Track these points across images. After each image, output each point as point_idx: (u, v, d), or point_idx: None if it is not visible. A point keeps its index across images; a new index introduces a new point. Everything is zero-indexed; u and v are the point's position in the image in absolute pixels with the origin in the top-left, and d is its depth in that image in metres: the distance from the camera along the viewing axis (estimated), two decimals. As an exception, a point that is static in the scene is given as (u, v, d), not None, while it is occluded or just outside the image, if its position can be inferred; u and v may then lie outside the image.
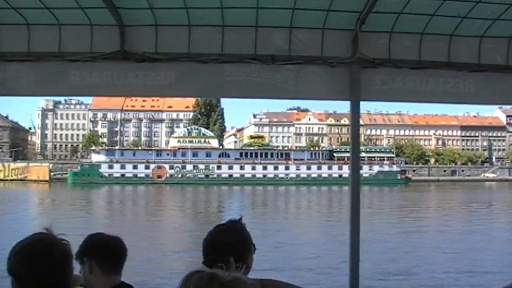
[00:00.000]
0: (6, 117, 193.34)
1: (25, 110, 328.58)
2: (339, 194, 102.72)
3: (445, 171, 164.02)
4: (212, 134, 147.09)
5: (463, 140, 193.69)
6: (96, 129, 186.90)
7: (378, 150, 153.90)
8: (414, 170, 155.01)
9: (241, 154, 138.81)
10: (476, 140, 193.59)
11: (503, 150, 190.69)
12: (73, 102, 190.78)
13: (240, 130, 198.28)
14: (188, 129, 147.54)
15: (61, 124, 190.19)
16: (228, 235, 3.50)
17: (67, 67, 5.60)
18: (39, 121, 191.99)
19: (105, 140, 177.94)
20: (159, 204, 78.05)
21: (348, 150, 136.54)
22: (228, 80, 5.75)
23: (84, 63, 5.56)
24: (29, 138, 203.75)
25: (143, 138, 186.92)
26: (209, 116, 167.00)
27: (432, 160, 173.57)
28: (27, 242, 2.60)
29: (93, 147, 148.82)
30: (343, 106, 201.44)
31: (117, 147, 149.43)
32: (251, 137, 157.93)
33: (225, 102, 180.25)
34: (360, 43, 5.68)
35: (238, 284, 2.10)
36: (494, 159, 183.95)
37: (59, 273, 2.62)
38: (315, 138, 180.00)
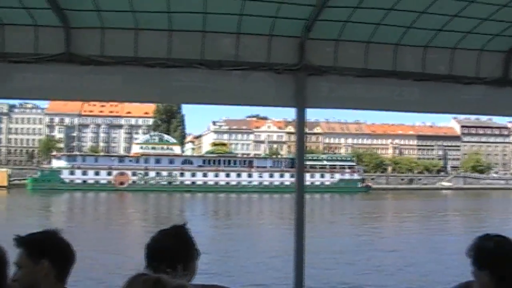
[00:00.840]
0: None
1: None
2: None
3: (402, 179, 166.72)
4: (174, 141, 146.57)
5: (419, 149, 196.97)
6: (52, 134, 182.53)
7: (339, 158, 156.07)
8: (372, 179, 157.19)
9: (204, 161, 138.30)
10: (432, 150, 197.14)
11: (458, 159, 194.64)
12: (29, 106, 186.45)
13: (198, 137, 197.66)
14: (150, 136, 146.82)
15: (16, 129, 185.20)
16: (171, 240, 3.50)
17: (9, 68, 5.45)
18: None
19: (62, 145, 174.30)
20: (121, 211, 78.04)
21: (310, 158, 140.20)
22: (174, 85, 5.78)
23: (27, 64, 5.42)
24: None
25: (101, 144, 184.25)
26: (169, 122, 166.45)
27: (390, 169, 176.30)
28: None
29: (54, 153, 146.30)
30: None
31: (78, 153, 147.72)
32: (214, 144, 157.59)
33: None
34: (306, 51, 5.75)
35: None
36: (449, 168, 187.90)
37: None
38: (275, 145, 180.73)
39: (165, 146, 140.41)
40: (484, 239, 3.60)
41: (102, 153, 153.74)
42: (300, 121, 6.03)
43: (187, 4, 5.33)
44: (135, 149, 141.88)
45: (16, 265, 3.20)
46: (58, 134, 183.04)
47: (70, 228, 52.61)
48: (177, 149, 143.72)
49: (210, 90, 5.82)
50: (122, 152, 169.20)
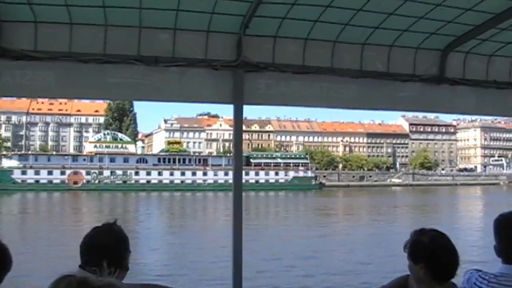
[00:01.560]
0: None
1: None
2: (255, 199, 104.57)
3: (353, 176, 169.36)
4: (129, 140, 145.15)
5: (369, 147, 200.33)
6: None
7: (293, 156, 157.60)
8: (324, 176, 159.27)
9: (159, 160, 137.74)
10: (381, 147, 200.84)
11: (406, 156, 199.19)
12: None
13: (148, 135, 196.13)
14: (104, 134, 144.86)
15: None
16: (102, 237, 3.48)
17: None
18: None
19: (9, 144, 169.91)
20: (75, 211, 76.77)
21: (264, 156, 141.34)
22: (110, 82, 5.63)
23: None
24: None
25: (50, 143, 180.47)
26: (121, 121, 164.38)
27: (340, 166, 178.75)
28: None
29: (4, 152, 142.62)
30: (254, 113, 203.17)
31: (30, 152, 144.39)
32: (169, 142, 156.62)
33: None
34: (244, 47, 5.73)
35: None
36: (398, 165, 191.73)
37: None
38: (227, 144, 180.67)
39: (119, 145, 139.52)
40: (419, 234, 3.69)
41: (54, 152, 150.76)
42: (238, 118, 5.97)
43: None
44: (89, 148, 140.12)
45: None
46: (4, 133, 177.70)
47: (20, 229, 52.45)
48: (131, 148, 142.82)
49: (146, 86, 5.74)
50: (72, 151, 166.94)
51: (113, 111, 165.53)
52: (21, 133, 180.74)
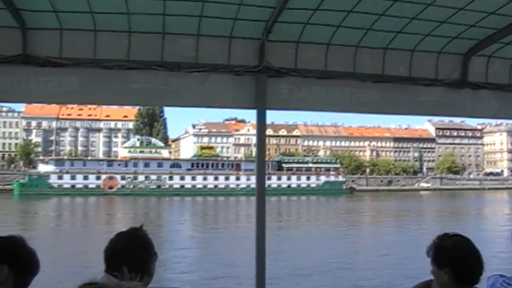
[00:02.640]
0: None
1: None
2: (287, 204, 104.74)
3: (382, 181, 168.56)
4: (162, 144, 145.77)
5: (395, 151, 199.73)
6: (30, 138, 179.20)
7: (324, 161, 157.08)
8: (353, 181, 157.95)
9: (192, 165, 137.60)
10: (408, 151, 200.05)
11: (433, 161, 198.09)
12: (4, 109, 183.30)
13: (174, 140, 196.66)
14: (138, 139, 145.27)
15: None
16: (125, 242, 3.50)
17: None
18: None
19: (39, 149, 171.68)
20: (110, 216, 77.19)
21: (296, 160, 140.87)
22: (133, 88, 5.69)
23: None
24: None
25: (80, 148, 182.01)
26: (151, 126, 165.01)
27: (368, 170, 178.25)
28: None
29: (41, 157, 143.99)
30: (281, 117, 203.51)
31: (66, 157, 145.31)
32: (201, 147, 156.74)
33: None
34: (266, 52, 5.78)
35: None
36: (425, 170, 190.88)
37: None
38: (253, 148, 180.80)
39: (153, 150, 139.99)
40: (443, 238, 3.70)
41: (88, 157, 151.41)
42: (261, 123, 6.02)
43: (147, 6, 5.27)
44: (123, 153, 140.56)
45: None
46: (35, 138, 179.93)
47: (56, 232, 53.05)
48: (165, 153, 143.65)
49: (169, 92, 5.79)
50: (101, 156, 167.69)
51: (143, 117, 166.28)
52: (51, 138, 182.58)
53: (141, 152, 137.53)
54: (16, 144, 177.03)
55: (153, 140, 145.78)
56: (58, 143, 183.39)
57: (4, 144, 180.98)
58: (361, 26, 5.67)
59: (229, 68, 5.75)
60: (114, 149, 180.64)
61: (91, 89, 5.60)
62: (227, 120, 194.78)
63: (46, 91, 5.47)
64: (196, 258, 37.79)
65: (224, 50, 5.75)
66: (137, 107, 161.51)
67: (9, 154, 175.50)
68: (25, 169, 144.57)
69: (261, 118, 5.95)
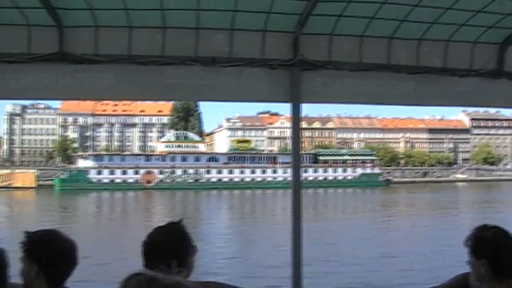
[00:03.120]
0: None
1: None
2: (324, 196, 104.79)
3: (417, 172, 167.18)
4: (199, 139, 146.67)
5: (430, 142, 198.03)
6: (66, 134, 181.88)
7: (360, 153, 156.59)
8: (388, 172, 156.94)
9: (229, 158, 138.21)
10: (442, 143, 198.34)
11: (468, 152, 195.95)
12: (41, 106, 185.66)
13: (208, 134, 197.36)
14: (175, 134, 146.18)
15: (29, 129, 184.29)
16: (165, 236, 3.53)
17: (2, 69, 5.46)
18: (5, 127, 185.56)
19: (76, 145, 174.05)
20: (148, 210, 78.44)
21: (332, 153, 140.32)
22: (168, 83, 5.76)
23: (20, 64, 5.44)
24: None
25: (115, 143, 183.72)
26: (187, 120, 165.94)
27: (402, 162, 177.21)
28: None
29: (80, 153, 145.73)
30: (314, 110, 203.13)
31: (104, 152, 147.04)
32: (238, 141, 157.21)
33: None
34: (300, 45, 5.78)
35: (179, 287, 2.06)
36: (460, 161, 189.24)
37: None
38: (287, 141, 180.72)
39: (190, 144, 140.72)
40: (482, 230, 3.66)
41: (126, 152, 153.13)
42: (296, 116, 6.00)
43: (181, 1, 5.38)
44: (160, 148, 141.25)
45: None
46: (71, 134, 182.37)
47: (96, 226, 53.83)
48: (201, 147, 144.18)
49: (204, 86, 5.85)
50: (136, 150, 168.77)
51: (179, 111, 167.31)
52: (87, 134, 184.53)
53: (178, 146, 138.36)
54: (53, 140, 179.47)
55: (190, 134, 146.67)
56: (94, 139, 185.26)
57: (41, 140, 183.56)
58: (395, 17, 5.69)
59: (263, 62, 5.80)
60: (149, 143, 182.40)
61: (127, 85, 5.75)
62: (260, 113, 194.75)
63: (82, 88, 5.62)
64: (234, 250, 38.38)
65: (258, 44, 5.81)
66: (172, 102, 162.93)
67: (47, 150, 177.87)
68: (63, 165, 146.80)
69: (296, 112, 5.95)
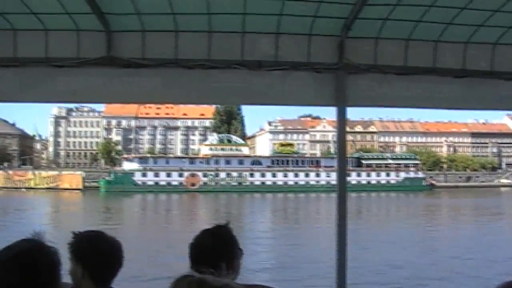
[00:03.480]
0: (13, 124, 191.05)
1: (24, 116, 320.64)
2: (367, 200, 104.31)
3: (460, 177, 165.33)
4: (243, 142, 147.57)
5: (473, 146, 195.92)
6: (110, 136, 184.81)
7: (403, 157, 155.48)
8: (431, 177, 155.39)
9: (272, 162, 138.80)
10: (486, 147, 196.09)
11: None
12: (85, 109, 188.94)
13: (250, 137, 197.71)
14: (219, 137, 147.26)
15: (74, 132, 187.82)
16: (213, 239, 3.53)
17: (52, 72, 5.55)
18: (51, 129, 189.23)
19: (119, 147, 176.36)
20: (193, 212, 79.56)
21: (375, 157, 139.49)
22: (214, 86, 5.76)
23: (70, 69, 5.51)
24: (35, 146, 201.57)
25: (158, 146, 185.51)
26: (229, 123, 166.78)
27: (445, 167, 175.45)
28: (12, 250, 2.54)
29: (124, 155, 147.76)
30: (356, 114, 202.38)
31: (149, 155, 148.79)
32: (281, 144, 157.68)
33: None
34: (346, 49, 5.73)
35: None
36: (504, 165, 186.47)
37: (44, 284, 2.53)
38: (330, 145, 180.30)
39: (233, 147, 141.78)
40: None
41: (170, 155, 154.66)
42: (341, 120, 5.97)
43: (227, 5, 5.34)
44: (204, 150, 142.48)
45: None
46: (115, 137, 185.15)
47: (142, 228, 54.41)
48: (245, 150, 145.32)
49: (250, 90, 5.84)
50: (179, 153, 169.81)
51: (221, 114, 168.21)
52: (130, 136, 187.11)
53: (222, 149, 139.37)
54: (97, 142, 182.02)
55: (233, 137, 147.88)
56: (137, 141, 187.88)
57: (86, 142, 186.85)
58: (442, 20, 5.61)
59: (309, 65, 5.78)
60: (191, 146, 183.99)
61: (173, 88, 5.81)
62: (302, 116, 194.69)
63: (130, 92, 5.73)
64: (279, 253, 38.63)
65: (304, 47, 5.78)
66: (215, 105, 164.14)
67: (91, 153, 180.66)
68: (107, 167, 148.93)
69: (341, 115, 5.92)
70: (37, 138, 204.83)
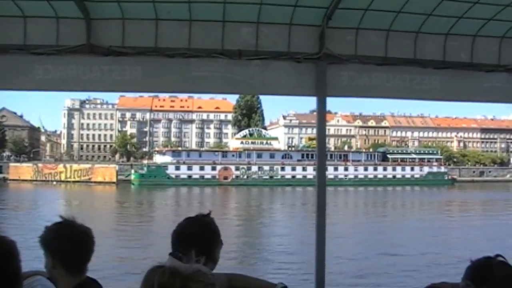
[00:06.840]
0: (21, 116, 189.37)
1: (27, 107, 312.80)
2: (392, 194, 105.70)
3: (474, 172, 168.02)
4: (273, 136, 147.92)
5: (482, 142, 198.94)
6: (124, 129, 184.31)
7: (426, 152, 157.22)
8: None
9: (302, 156, 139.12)
10: (495, 142, 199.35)
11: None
12: (98, 101, 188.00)
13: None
14: (249, 131, 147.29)
15: (87, 124, 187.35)
16: (194, 227, 3.58)
17: (31, 60, 5.46)
18: (64, 121, 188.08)
19: (134, 140, 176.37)
20: (225, 206, 78.86)
21: (400, 151, 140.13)
22: (195, 76, 5.73)
23: (48, 56, 5.43)
24: (41, 138, 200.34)
25: (173, 139, 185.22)
26: (250, 117, 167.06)
27: (457, 161, 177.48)
28: None
29: (157, 148, 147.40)
30: (368, 107, 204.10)
31: (181, 148, 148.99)
32: (309, 138, 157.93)
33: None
34: (326, 39, 5.69)
35: (199, 275, 2.15)
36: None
37: None
38: (343, 139, 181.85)
39: (264, 141, 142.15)
40: None
41: (203, 148, 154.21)
42: (321, 110, 5.93)
43: None
44: (235, 144, 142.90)
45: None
46: (130, 129, 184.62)
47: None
48: (275, 144, 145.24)
49: (230, 79, 5.80)
50: (194, 147, 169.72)
51: (242, 108, 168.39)
52: (145, 129, 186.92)
53: (253, 143, 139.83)
54: (111, 135, 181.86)
55: (263, 131, 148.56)
56: (152, 134, 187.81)
57: (99, 135, 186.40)
58: (422, 11, 5.58)
59: (289, 55, 5.73)
60: (206, 140, 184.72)
61: (153, 77, 5.73)
62: (314, 111, 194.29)
63: (109, 80, 5.62)
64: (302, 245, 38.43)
65: (284, 37, 5.73)
66: (231, 99, 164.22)
67: (111, 145, 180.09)
68: (139, 160, 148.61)
69: (321, 106, 5.87)
70: (42, 130, 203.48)
